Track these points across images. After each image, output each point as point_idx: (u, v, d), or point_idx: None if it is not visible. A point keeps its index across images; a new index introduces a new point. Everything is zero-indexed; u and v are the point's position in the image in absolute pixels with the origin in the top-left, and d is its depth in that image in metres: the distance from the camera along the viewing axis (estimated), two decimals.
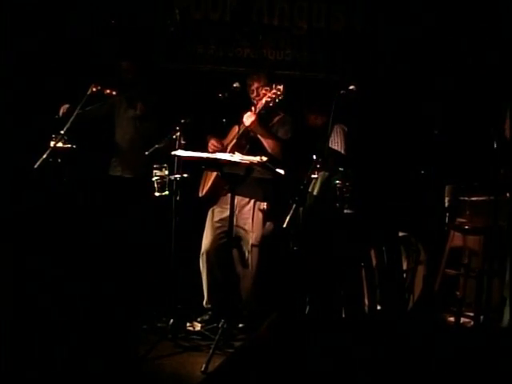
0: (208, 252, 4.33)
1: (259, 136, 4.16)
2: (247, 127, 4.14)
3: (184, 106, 4.56)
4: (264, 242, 4.24)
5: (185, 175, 4.10)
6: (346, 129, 4.55)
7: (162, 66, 5.24)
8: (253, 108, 4.12)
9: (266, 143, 4.15)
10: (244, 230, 4.28)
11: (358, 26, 5.26)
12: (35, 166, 3.96)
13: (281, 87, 3.88)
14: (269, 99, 3.96)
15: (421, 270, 4.44)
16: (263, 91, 4.22)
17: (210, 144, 4.38)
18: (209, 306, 4.37)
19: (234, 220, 4.14)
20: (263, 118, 4.20)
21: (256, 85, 4.28)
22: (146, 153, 4.21)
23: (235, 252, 4.32)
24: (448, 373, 2.93)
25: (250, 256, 4.26)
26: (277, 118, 4.35)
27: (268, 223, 4.26)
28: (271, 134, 4.22)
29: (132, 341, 3.99)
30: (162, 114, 4.70)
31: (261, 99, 4.12)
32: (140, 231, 4.57)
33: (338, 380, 2.92)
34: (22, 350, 3.59)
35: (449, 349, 3.19)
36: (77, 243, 4.64)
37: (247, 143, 4.26)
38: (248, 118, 4.10)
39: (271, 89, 4.07)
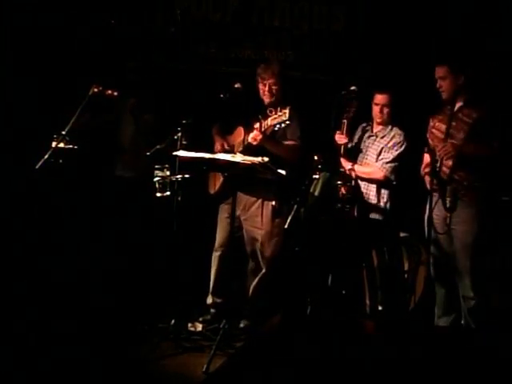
0: (221, 247, 4.37)
1: (269, 149, 4.10)
2: (255, 145, 4.10)
3: (185, 106, 4.55)
4: (274, 239, 4.25)
5: (186, 175, 4.10)
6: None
7: (163, 67, 5.23)
8: (257, 125, 4.09)
9: (278, 153, 4.11)
10: (253, 227, 4.30)
11: (359, 26, 5.23)
12: (36, 167, 3.94)
13: (286, 110, 3.81)
14: (275, 121, 3.91)
15: (422, 271, 4.42)
16: (265, 82, 4.23)
17: (215, 148, 4.39)
18: (211, 302, 4.38)
19: (244, 218, 4.30)
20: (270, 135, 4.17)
21: (260, 71, 4.29)
22: (148, 153, 4.22)
23: (247, 249, 4.35)
24: (448, 373, 2.93)
25: (260, 253, 4.28)
26: None
27: (277, 220, 4.24)
28: (280, 145, 4.20)
29: (134, 341, 3.99)
30: (159, 109, 4.69)
31: (266, 119, 4.06)
32: (141, 231, 4.57)
33: (339, 380, 2.92)
34: (23, 349, 3.61)
35: (449, 349, 3.20)
36: (77, 243, 4.65)
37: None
38: (255, 138, 4.06)
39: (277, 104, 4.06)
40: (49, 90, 4.95)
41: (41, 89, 4.95)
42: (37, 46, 5.03)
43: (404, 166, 4.38)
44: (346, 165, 4.34)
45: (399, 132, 4.39)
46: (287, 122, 3.85)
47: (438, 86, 3.98)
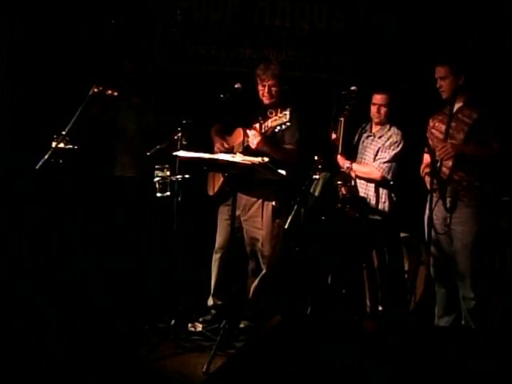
0: (222, 249, 4.35)
1: (267, 152, 4.04)
2: (253, 148, 4.07)
3: (186, 106, 4.54)
4: (274, 239, 4.23)
5: (186, 176, 4.09)
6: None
7: (164, 67, 5.24)
8: (257, 125, 4.07)
9: (277, 156, 4.06)
10: (254, 227, 4.28)
11: (360, 26, 5.22)
12: (37, 167, 3.94)
13: (287, 112, 3.78)
14: (275, 123, 3.88)
15: (422, 271, 4.41)
16: (265, 84, 4.20)
17: (215, 148, 4.36)
18: (212, 304, 4.37)
19: (244, 218, 4.28)
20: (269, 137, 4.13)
21: (259, 72, 4.25)
22: (148, 153, 4.23)
23: (247, 249, 4.34)
24: (448, 373, 2.89)
25: (260, 253, 4.27)
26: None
27: (277, 220, 4.22)
28: (278, 148, 4.16)
29: (133, 341, 3.98)
30: (160, 110, 4.69)
31: (266, 120, 4.04)
32: (141, 231, 4.57)
33: (340, 380, 2.90)
34: (21, 350, 3.60)
35: (450, 349, 3.16)
36: (78, 243, 4.66)
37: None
38: (253, 139, 4.05)
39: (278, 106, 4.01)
40: (49, 90, 4.94)
41: (41, 89, 4.95)
42: (37, 46, 5.02)
43: (403, 166, 4.38)
44: (344, 163, 4.34)
45: (396, 131, 4.39)
46: (288, 124, 3.82)
47: (438, 85, 3.98)
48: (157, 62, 5.24)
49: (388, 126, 4.43)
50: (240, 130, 4.26)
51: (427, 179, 3.95)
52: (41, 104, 4.92)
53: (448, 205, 3.93)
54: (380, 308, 4.35)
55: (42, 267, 4.45)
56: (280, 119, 3.84)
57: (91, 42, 5.10)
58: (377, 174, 4.34)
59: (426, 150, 4.04)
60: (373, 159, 4.40)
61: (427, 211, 3.94)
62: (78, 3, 5.12)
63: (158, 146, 4.21)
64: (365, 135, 4.51)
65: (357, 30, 5.24)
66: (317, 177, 4.07)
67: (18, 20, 5.03)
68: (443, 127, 4.00)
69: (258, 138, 4.03)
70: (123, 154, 4.73)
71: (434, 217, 3.93)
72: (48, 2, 5.10)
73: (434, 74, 3.99)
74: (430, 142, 4.04)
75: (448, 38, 4.91)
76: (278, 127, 3.88)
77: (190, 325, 4.26)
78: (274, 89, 4.23)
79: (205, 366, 3.57)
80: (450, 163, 3.90)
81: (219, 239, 4.39)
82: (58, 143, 4.02)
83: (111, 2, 5.22)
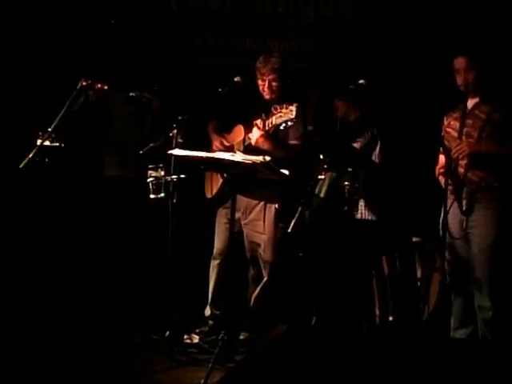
0: (221, 254, 4.29)
1: (269, 151, 3.94)
2: (254, 144, 4.00)
3: (182, 101, 4.51)
4: (277, 245, 4.14)
5: (182, 176, 4.01)
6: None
7: (163, 64, 5.19)
8: (259, 122, 3.95)
9: (280, 154, 3.96)
10: (255, 231, 4.20)
11: (370, 14, 5.11)
12: (20, 166, 3.82)
13: (293, 108, 3.67)
14: (280, 120, 3.77)
15: (436, 279, 4.33)
16: (264, 78, 4.12)
17: (213, 146, 4.28)
18: (209, 314, 4.30)
19: (244, 222, 4.22)
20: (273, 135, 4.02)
21: (259, 65, 4.16)
22: (141, 151, 4.15)
23: (248, 255, 4.27)
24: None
25: (261, 259, 4.19)
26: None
27: (280, 225, 4.13)
28: (281, 146, 4.05)
29: (126, 354, 3.89)
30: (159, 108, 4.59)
31: (271, 116, 3.92)
32: (134, 235, 4.45)
33: None
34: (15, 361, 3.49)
35: (466, 363, 3.07)
36: (69, 246, 4.50)
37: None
38: (254, 135, 3.96)
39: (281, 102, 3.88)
40: (48, 90, 4.84)
41: (40, 89, 4.87)
42: (36, 45, 4.96)
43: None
44: None
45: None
46: (294, 121, 3.71)
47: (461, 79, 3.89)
48: (156, 61, 5.18)
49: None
50: (240, 128, 4.18)
51: (441, 179, 3.86)
52: (40, 104, 4.77)
53: (464, 207, 3.82)
54: (390, 318, 4.27)
55: (32, 269, 4.30)
56: (286, 115, 3.72)
57: (91, 42, 5.05)
58: None
59: (440, 150, 3.96)
60: None
61: (442, 214, 3.81)
62: (78, 3, 5.08)
63: (151, 144, 4.13)
64: None
65: (366, 18, 5.13)
66: (322, 177, 4.02)
67: (18, 20, 4.99)
68: (458, 125, 3.93)
69: (259, 133, 3.93)
70: (115, 152, 4.63)
71: (450, 220, 3.82)
72: (48, 1, 5.05)
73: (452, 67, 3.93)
74: (446, 142, 3.94)
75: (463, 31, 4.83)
76: (284, 124, 3.77)
77: (185, 336, 4.18)
78: (274, 83, 4.14)
79: (202, 381, 3.44)
80: (465, 162, 3.81)
81: (218, 244, 4.31)
82: (44, 141, 3.92)
83: (111, 1, 5.18)
